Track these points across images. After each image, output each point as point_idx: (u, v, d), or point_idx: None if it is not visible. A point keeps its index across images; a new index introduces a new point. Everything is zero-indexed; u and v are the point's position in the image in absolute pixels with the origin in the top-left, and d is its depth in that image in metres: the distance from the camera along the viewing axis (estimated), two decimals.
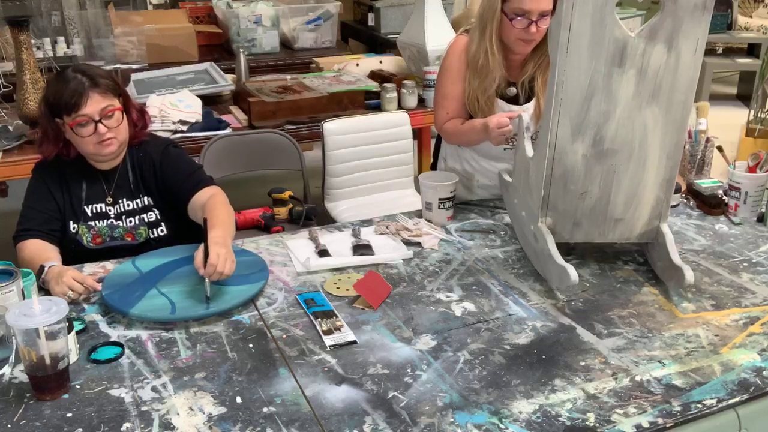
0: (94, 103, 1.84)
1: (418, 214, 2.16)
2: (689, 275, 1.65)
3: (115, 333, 1.59)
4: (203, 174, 2.06)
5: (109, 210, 1.98)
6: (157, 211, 2.01)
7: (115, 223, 1.98)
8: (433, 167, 2.50)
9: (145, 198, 2.01)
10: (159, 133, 2.74)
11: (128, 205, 1.99)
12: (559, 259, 1.69)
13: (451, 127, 2.21)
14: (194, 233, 1.90)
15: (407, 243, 1.99)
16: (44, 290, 1.72)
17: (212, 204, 1.90)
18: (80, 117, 1.84)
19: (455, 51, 2.18)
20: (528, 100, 2.16)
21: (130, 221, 1.99)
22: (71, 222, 1.94)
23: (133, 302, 1.66)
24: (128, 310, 1.63)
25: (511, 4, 2.00)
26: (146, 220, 2.00)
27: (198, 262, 1.65)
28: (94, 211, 1.97)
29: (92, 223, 1.96)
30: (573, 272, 1.63)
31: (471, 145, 2.26)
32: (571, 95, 1.63)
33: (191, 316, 1.62)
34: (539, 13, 1.98)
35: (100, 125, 1.85)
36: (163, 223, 2.01)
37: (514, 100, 2.16)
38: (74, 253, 1.93)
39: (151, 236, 2.00)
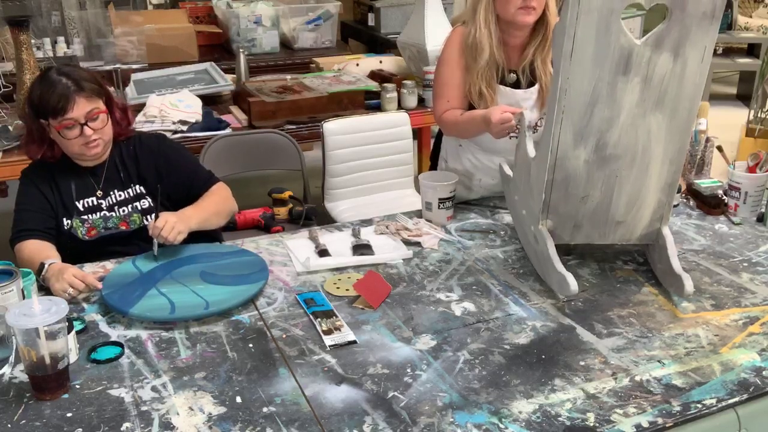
0: (80, 107, 1.86)
1: (418, 214, 2.16)
2: (689, 285, 1.64)
3: (115, 333, 1.59)
4: (205, 169, 2.17)
5: (101, 202, 2.00)
6: (149, 198, 2.03)
7: (108, 214, 2.00)
8: (433, 170, 2.49)
9: (137, 187, 2.03)
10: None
11: (120, 196, 2.02)
12: (560, 266, 1.68)
13: (451, 117, 2.17)
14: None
15: (407, 243, 1.99)
16: (44, 289, 1.72)
17: (210, 193, 2.07)
18: (66, 121, 1.86)
19: (452, 41, 2.17)
20: (530, 85, 2.15)
21: (123, 210, 2.01)
22: (64, 219, 1.96)
23: (132, 302, 1.66)
24: (128, 309, 1.63)
25: None
26: (139, 207, 2.02)
27: (149, 224, 1.85)
28: (86, 205, 1.98)
29: (85, 217, 1.97)
30: (573, 282, 1.62)
31: (469, 137, 2.23)
32: (574, 102, 1.62)
33: (191, 316, 1.62)
34: None
35: (85, 128, 1.88)
36: (156, 211, 2.02)
37: (515, 86, 2.15)
38: (71, 248, 1.93)
39: (145, 222, 2.01)
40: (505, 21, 2.06)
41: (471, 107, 2.16)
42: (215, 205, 2.04)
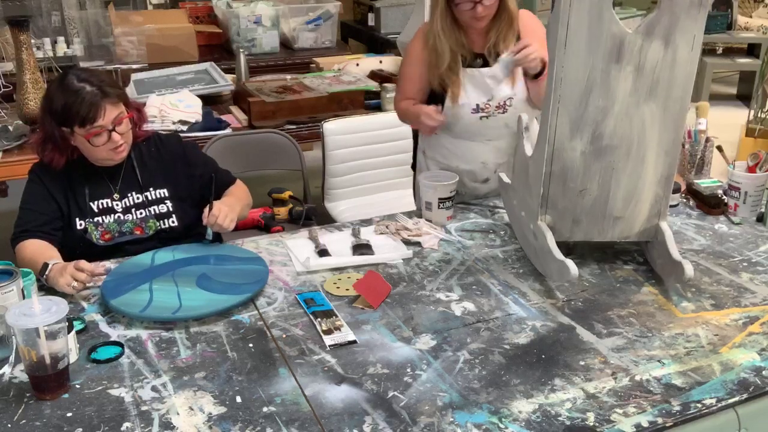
0: (108, 114, 1.86)
1: (418, 214, 2.16)
2: (689, 269, 1.65)
3: (115, 333, 1.59)
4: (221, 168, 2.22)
5: (116, 205, 1.98)
6: (169, 204, 2.03)
7: (123, 217, 1.98)
8: (414, 163, 2.52)
9: (158, 191, 2.03)
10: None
11: (137, 198, 2.01)
12: (559, 254, 1.69)
13: (403, 107, 2.31)
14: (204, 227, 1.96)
15: (407, 243, 1.99)
16: (44, 289, 1.72)
17: (234, 187, 2.16)
18: (95, 129, 1.85)
19: (418, 35, 2.26)
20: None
21: (140, 213, 2.00)
22: (77, 219, 1.94)
23: (119, 293, 1.67)
24: (109, 300, 1.65)
25: None
26: (156, 211, 2.01)
27: (204, 214, 1.91)
28: (100, 206, 1.97)
29: (99, 219, 1.96)
30: (573, 266, 1.63)
31: (414, 127, 2.37)
32: (570, 91, 1.64)
33: (191, 315, 1.62)
34: None
35: (113, 134, 1.88)
36: (174, 215, 2.02)
37: (484, 66, 2.21)
38: (82, 251, 1.91)
39: (162, 227, 2.01)
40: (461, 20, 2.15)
41: (432, 94, 2.24)
42: (246, 197, 2.14)
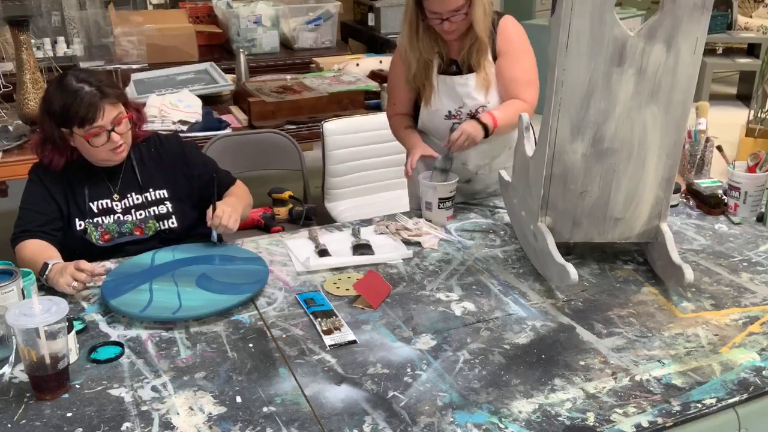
0: (107, 115, 1.85)
1: (418, 214, 2.16)
2: (689, 273, 1.65)
3: (115, 333, 1.59)
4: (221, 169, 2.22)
5: (116, 205, 1.98)
6: (169, 205, 2.03)
7: (122, 218, 1.98)
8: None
9: (158, 192, 2.03)
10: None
11: (137, 199, 2.00)
12: (559, 257, 1.69)
13: (395, 123, 2.36)
14: (204, 228, 1.97)
15: (407, 243, 1.99)
16: (44, 289, 1.72)
17: (235, 188, 2.16)
18: (94, 129, 1.85)
19: (400, 44, 2.29)
20: (470, 72, 2.20)
21: (140, 214, 2.00)
22: (77, 219, 1.94)
23: (119, 293, 1.68)
24: (109, 300, 1.65)
25: (425, 3, 2.10)
26: (156, 212, 2.01)
27: (208, 216, 1.92)
28: (100, 207, 1.97)
29: (98, 220, 1.96)
30: (573, 271, 1.63)
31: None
32: (571, 94, 1.63)
33: (191, 315, 1.62)
34: (449, 12, 2.06)
35: (113, 134, 1.88)
36: (173, 216, 2.02)
37: (457, 73, 2.22)
38: (84, 253, 1.91)
39: (161, 228, 2.01)
40: None
41: (418, 102, 2.27)
42: (246, 197, 2.15)
